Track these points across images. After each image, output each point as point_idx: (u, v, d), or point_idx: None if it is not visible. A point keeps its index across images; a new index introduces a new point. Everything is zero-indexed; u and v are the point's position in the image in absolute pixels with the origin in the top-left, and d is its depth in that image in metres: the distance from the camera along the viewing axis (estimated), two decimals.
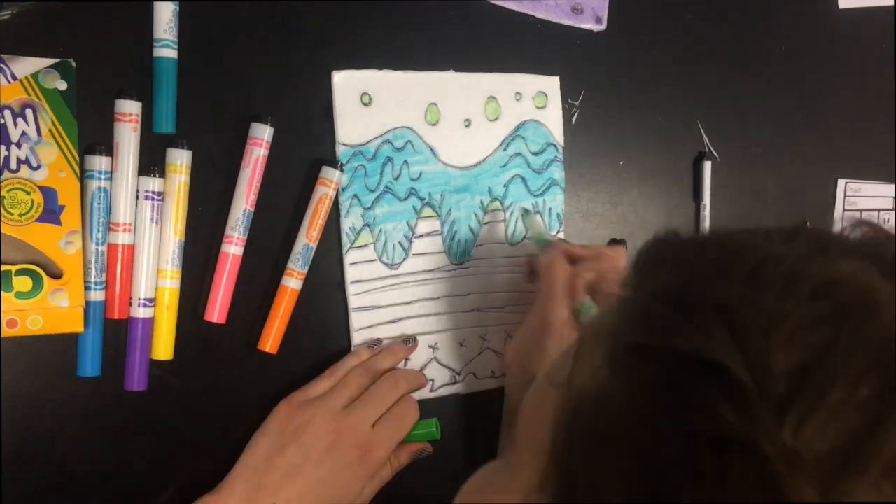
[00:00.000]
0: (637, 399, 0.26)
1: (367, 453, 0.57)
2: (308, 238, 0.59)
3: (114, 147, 0.54)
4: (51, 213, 0.52)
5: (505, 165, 0.68)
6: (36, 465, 0.55)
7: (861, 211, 0.86)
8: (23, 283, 0.51)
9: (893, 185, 0.87)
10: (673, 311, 0.26)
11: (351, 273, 0.62)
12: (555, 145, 0.70)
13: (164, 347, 0.56)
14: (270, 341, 0.59)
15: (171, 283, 0.56)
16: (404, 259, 0.65)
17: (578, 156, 0.71)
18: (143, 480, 0.57)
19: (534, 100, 0.69)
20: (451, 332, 0.67)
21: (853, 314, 0.24)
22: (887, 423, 0.23)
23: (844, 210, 0.85)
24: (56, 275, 0.52)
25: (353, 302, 0.63)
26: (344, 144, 0.62)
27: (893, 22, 0.85)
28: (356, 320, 0.63)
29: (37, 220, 0.51)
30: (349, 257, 0.62)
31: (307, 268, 0.60)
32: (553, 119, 0.70)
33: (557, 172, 0.70)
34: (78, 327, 0.53)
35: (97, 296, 0.54)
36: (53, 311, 0.52)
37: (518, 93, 0.68)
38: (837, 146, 0.84)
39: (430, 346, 0.66)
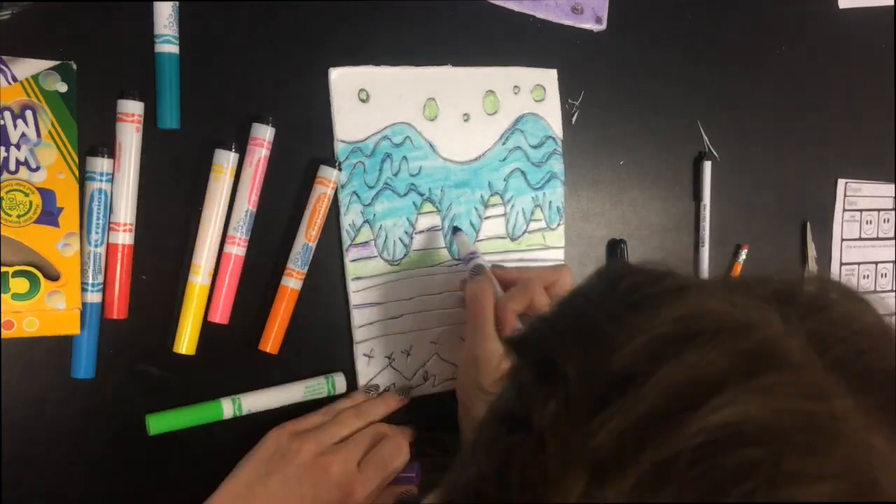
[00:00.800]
0: (503, 388, 0.31)
1: (349, 494, 0.56)
2: (307, 238, 0.59)
3: (115, 147, 0.54)
4: (49, 214, 0.52)
5: (504, 159, 0.68)
6: (36, 465, 0.55)
7: (861, 211, 0.86)
8: (20, 285, 0.51)
9: (893, 185, 0.87)
10: (550, 322, 0.32)
11: (351, 270, 0.62)
12: (553, 138, 0.70)
13: (188, 342, 0.57)
14: (271, 342, 0.59)
15: (202, 279, 0.57)
16: (405, 255, 0.65)
17: (578, 156, 0.71)
18: (144, 481, 0.57)
19: (532, 93, 0.69)
20: (453, 327, 0.67)
21: (691, 339, 0.27)
22: (654, 441, 0.25)
23: (844, 210, 0.85)
24: (53, 277, 0.52)
25: (353, 299, 0.63)
26: (342, 141, 0.61)
27: (893, 22, 0.85)
28: (357, 317, 0.63)
29: (35, 222, 0.51)
30: (350, 254, 0.62)
31: (307, 267, 0.60)
32: (551, 112, 0.70)
33: (557, 165, 0.70)
34: (74, 330, 0.53)
35: (94, 297, 0.54)
36: (50, 313, 0.52)
37: (516, 86, 0.68)
38: (837, 146, 0.84)
39: (431, 342, 0.66)
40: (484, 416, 0.31)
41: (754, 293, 0.30)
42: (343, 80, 0.61)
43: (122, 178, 0.54)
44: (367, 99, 0.62)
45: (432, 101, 0.65)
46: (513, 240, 0.69)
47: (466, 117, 0.66)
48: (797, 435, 0.25)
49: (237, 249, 0.58)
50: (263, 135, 0.57)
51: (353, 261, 0.63)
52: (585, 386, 0.27)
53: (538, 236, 0.70)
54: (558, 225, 0.71)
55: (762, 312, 0.28)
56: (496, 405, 0.31)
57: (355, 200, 0.62)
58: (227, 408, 0.58)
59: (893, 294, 0.89)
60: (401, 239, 0.64)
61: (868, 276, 0.88)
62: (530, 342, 0.31)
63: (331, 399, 0.62)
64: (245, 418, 0.59)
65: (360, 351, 0.63)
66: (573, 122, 0.71)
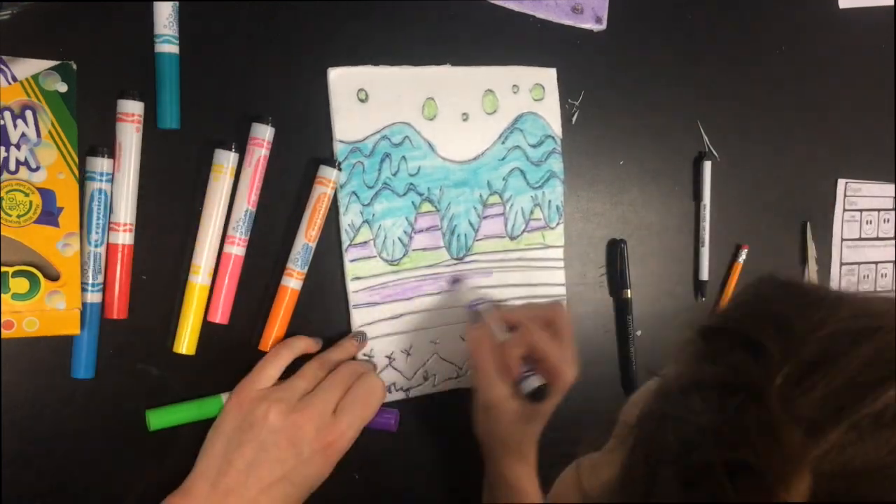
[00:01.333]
0: (697, 367, 0.37)
1: (330, 444, 0.55)
2: (307, 238, 0.59)
3: (115, 147, 0.54)
4: (49, 214, 0.52)
5: (503, 159, 0.68)
6: (36, 465, 0.55)
7: (861, 211, 0.86)
8: (20, 285, 0.51)
9: (893, 185, 0.88)
10: (743, 313, 0.38)
11: (351, 270, 0.62)
12: (553, 137, 0.70)
13: (188, 342, 0.57)
14: (272, 342, 0.59)
15: (202, 279, 0.57)
16: (404, 255, 0.65)
17: (578, 156, 0.71)
18: (144, 481, 0.57)
19: (531, 92, 0.69)
20: (453, 327, 0.67)
21: (876, 331, 0.34)
22: (864, 399, 0.32)
23: (844, 210, 0.85)
24: (53, 277, 0.52)
25: (353, 299, 0.63)
26: (341, 141, 0.61)
27: (893, 22, 0.85)
28: (357, 317, 0.63)
29: (35, 222, 0.51)
30: (349, 254, 0.62)
31: (307, 267, 0.60)
32: (551, 111, 0.70)
33: (556, 165, 0.70)
34: (74, 329, 0.53)
35: (94, 297, 0.54)
36: (50, 313, 0.52)
37: (515, 85, 0.68)
38: (837, 146, 0.84)
39: (431, 341, 0.66)
40: (668, 388, 0.37)
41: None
42: (342, 80, 0.61)
43: (122, 178, 0.54)
44: (366, 99, 0.62)
45: (431, 101, 0.65)
46: (512, 239, 0.69)
47: (465, 117, 0.66)
48: None
49: (237, 249, 0.58)
50: (263, 135, 0.57)
51: (353, 261, 0.63)
52: (789, 361, 0.33)
53: (537, 235, 0.70)
54: (558, 224, 0.71)
55: None
56: (692, 378, 0.36)
57: (354, 200, 0.62)
58: None
59: (893, 294, 0.89)
60: (400, 239, 0.64)
61: (868, 276, 0.88)
62: (730, 329, 0.37)
63: None
64: None
65: (360, 349, 0.63)
66: (573, 121, 0.71)
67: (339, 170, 0.60)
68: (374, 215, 0.63)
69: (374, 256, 0.63)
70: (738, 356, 0.35)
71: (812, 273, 0.83)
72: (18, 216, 0.51)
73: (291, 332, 0.60)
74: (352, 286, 0.63)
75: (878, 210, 0.88)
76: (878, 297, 0.40)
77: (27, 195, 0.51)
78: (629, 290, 0.74)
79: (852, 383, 0.32)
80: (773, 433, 0.31)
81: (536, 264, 0.70)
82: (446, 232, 0.66)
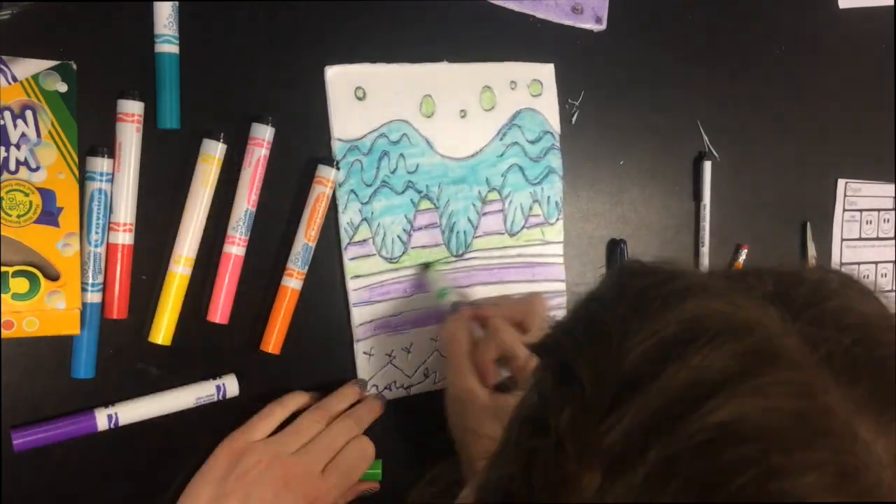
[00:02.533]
0: (527, 392, 0.32)
1: (313, 502, 0.55)
2: (307, 238, 0.59)
3: (116, 147, 0.54)
4: (49, 214, 0.52)
5: (502, 155, 0.68)
6: (36, 465, 0.55)
7: (861, 211, 0.86)
8: (20, 285, 0.51)
9: (893, 185, 0.87)
10: (567, 326, 0.33)
11: (350, 268, 0.62)
12: (551, 133, 0.70)
13: (164, 332, 0.56)
14: (273, 342, 0.59)
15: (183, 269, 0.56)
16: (403, 252, 0.65)
17: (578, 156, 0.71)
18: (144, 481, 0.57)
19: (529, 88, 0.69)
20: None
21: (692, 342, 0.28)
22: (659, 440, 0.26)
23: (844, 210, 0.85)
24: (53, 277, 0.52)
25: (353, 297, 0.63)
26: (339, 140, 0.61)
27: (893, 22, 0.85)
28: (357, 315, 0.63)
29: (35, 222, 0.51)
30: (348, 252, 0.62)
31: (307, 267, 0.60)
32: (549, 107, 0.70)
33: (555, 160, 0.70)
34: (74, 329, 0.53)
35: (94, 297, 0.54)
36: (50, 313, 0.52)
37: (513, 81, 0.68)
38: (837, 146, 0.84)
39: (431, 339, 0.66)
40: (510, 417, 0.32)
41: (755, 290, 0.31)
42: (339, 79, 0.61)
43: (122, 178, 0.54)
44: (363, 97, 0.62)
45: (429, 98, 0.65)
46: (511, 235, 0.69)
47: (463, 113, 0.66)
48: (786, 431, 0.26)
49: (237, 249, 0.58)
50: (263, 135, 0.57)
51: (352, 259, 0.62)
52: (598, 388, 0.28)
53: (537, 231, 0.70)
54: (557, 220, 0.71)
55: (761, 311, 0.29)
56: (521, 408, 0.32)
57: (353, 199, 0.62)
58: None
59: (893, 294, 0.89)
60: (399, 237, 0.64)
61: (868, 277, 0.88)
62: (548, 347, 0.33)
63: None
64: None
65: (360, 349, 0.63)
66: (573, 121, 0.71)
67: (338, 169, 0.60)
68: (372, 213, 0.63)
69: (374, 254, 0.63)
70: (545, 381, 0.31)
71: None
72: (18, 216, 0.51)
73: (292, 332, 0.60)
74: (351, 284, 0.62)
75: (878, 210, 0.88)
76: (746, 282, 0.32)
77: (27, 195, 0.51)
78: None
79: (657, 415, 0.27)
80: (568, 480, 0.27)
81: (536, 260, 0.70)
82: (445, 229, 0.66)
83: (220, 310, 0.57)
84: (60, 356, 0.54)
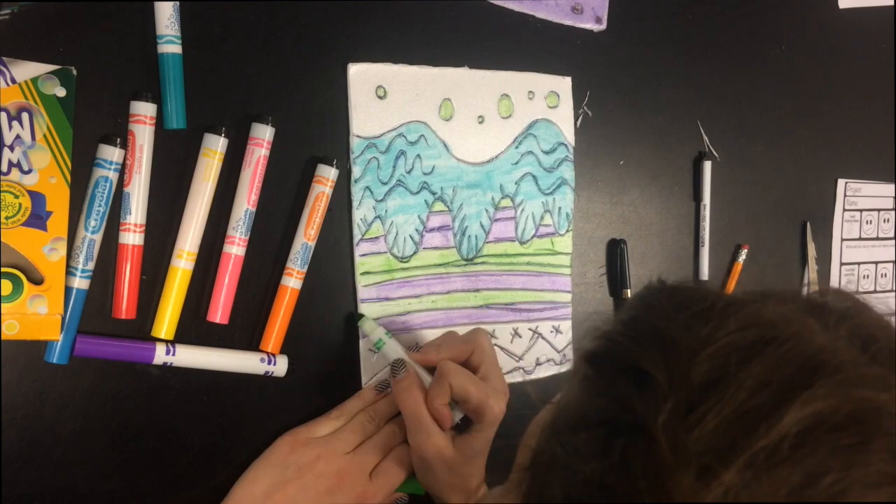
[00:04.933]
0: (585, 398, 0.34)
1: (360, 502, 0.57)
2: (307, 237, 0.59)
3: (132, 149, 0.54)
4: (38, 218, 0.51)
5: (517, 163, 0.68)
6: (36, 465, 0.55)
7: (861, 211, 0.86)
8: (3, 287, 0.50)
9: (893, 185, 0.88)
10: (626, 335, 0.34)
11: (360, 265, 0.63)
12: (566, 145, 0.70)
13: (167, 326, 0.56)
14: (272, 341, 0.59)
15: (185, 263, 0.56)
16: (414, 252, 0.65)
17: (579, 156, 0.71)
18: (144, 481, 0.57)
19: (546, 99, 0.69)
20: (460, 328, 0.66)
21: (766, 345, 0.31)
22: (756, 430, 0.29)
23: (844, 210, 0.85)
24: (37, 281, 0.52)
25: (362, 293, 0.63)
26: (358, 136, 0.62)
27: (893, 22, 0.85)
28: (365, 312, 0.63)
29: (23, 225, 0.51)
30: (359, 249, 0.63)
31: (306, 266, 0.60)
32: (564, 119, 0.70)
33: (567, 172, 0.71)
34: (54, 335, 0.52)
35: (81, 283, 0.53)
36: (31, 317, 0.52)
37: (531, 92, 0.68)
38: (837, 146, 0.84)
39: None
40: (559, 423, 0.34)
41: (790, 304, 0.35)
42: (362, 76, 0.61)
43: (138, 179, 0.54)
44: (384, 96, 0.62)
45: (448, 102, 0.65)
46: (521, 243, 0.69)
47: (481, 119, 0.67)
48: (881, 419, 0.29)
49: (237, 249, 0.58)
50: (263, 134, 0.57)
51: (363, 255, 0.63)
52: (676, 390, 0.30)
53: (546, 241, 0.70)
54: (567, 231, 0.71)
55: (806, 321, 0.33)
56: (579, 413, 0.34)
57: (368, 195, 0.62)
58: None
59: (893, 294, 0.89)
60: (411, 236, 0.64)
61: (868, 276, 0.88)
62: (613, 356, 0.34)
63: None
64: (250, 424, 0.59)
65: (364, 346, 0.63)
66: (577, 125, 0.71)
67: (337, 168, 0.60)
68: (386, 211, 0.63)
69: (385, 252, 0.64)
70: (622, 387, 0.32)
71: (812, 273, 0.83)
72: (7, 218, 0.51)
73: (292, 331, 0.60)
74: (361, 280, 0.63)
75: (878, 210, 0.88)
76: (775, 297, 0.35)
77: (17, 197, 0.51)
78: (629, 290, 0.74)
79: (744, 411, 0.29)
80: (661, 480, 0.29)
81: (544, 270, 0.70)
82: (457, 232, 0.66)
83: (220, 310, 0.57)
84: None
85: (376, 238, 0.63)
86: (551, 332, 0.71)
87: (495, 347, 0.65)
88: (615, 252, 0.74)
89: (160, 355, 0.55)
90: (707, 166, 0.77)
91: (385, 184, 0.63)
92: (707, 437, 0.29)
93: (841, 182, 0.85)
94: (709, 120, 0.77)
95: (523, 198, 0.69)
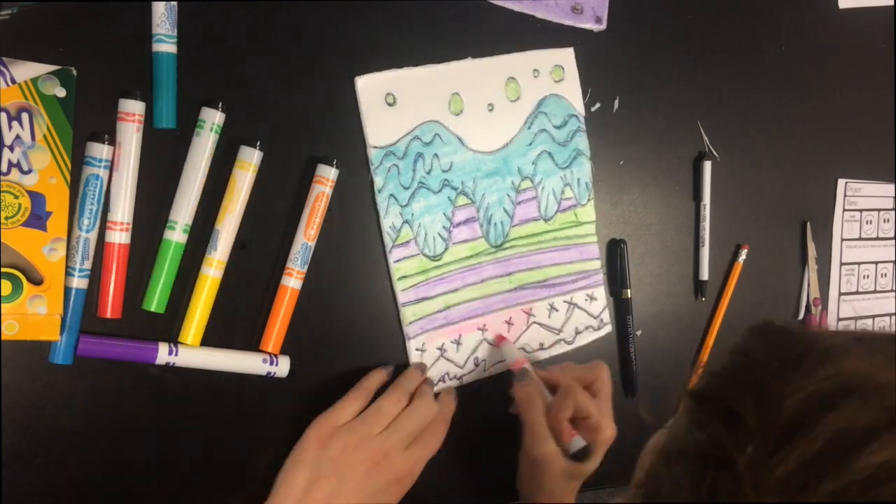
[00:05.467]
0: (688, 430, 0.37)
1: (401, 478, 0.59)
2: (307, 237, 0.59)
3: (116, 146, 0.54)
4: (37, 218, 0.51)
5: (531, 143, 0.69)
6: (36, 465, 0.55)
7: (861, 211, 0.86)
8: (2, 287, 0.51)
9: (893, 185, 0.88)
10: (725, 377, 0.38)
11: (396, 270, 0.64)
12: (576, 116, 0.71)
13: (194, 332, 0.57)
14: (272, 341, 0.59)
15: (214, 272, 0.57)
16: (445, 249, 0.66)
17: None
18: (144, 481, 0.57)
19: (551, 74, 0.69)
20: (498, 313, 0.69)
21: (847, 395, 0.34)
22: (829, 473, 0.31)
23: (844, 210, 0.85)
24: (37, 281, 0.52)
25: (401, 297, 0.64)
26: (374, 147, 0.62)
27: (893, 22, 0.85)
28: (408, 313, 0.64)
29: (22, 225, 0.51)
30: (392, 255, 0.64)
31: (306, 266, 0.60)
32: (572, 90, 0.71)
33: (581, 143, 0.71)
34: (54, 336, 0.52)
35: (80, 283, 0.53)
36: (31, 317, 0.52)
37: (535, 70, 0.69)
38: (837, 146, 0.84)
39: (479, 329, 0.68)
40: (668, 449, 0.38)
41: (885, 351, 0.37)
42: (369, 87, 0.62)
43: (121, 177, 0.54)
44: (394, 102, 0.63)
45: (457, 96, 0.65)
46: (546, 220, 0.70)
47: (491, 107, 0.67)
48: None
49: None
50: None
51: (397, 261, 0.64)
52: (765, 430, 0.34)
53: (570, 214, 0.71)
54: (588, 200, 0.72)
55: (889, 374, 0.35)
56: (682, 444, 0.37)
57: (393, 203, 0.63)
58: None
59: (893, 294, 0.89)
60: (440, 234, 0.66)
61: (868, 276, 0.88)
62: (712, 396, 0.38)
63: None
64: (267, 424, 0.59)
65: (412, 346, 0.65)
66: (590, 110, 0.71)
67: (337, 168, 0.60)
68: (413, 215, 0.64)
69: (417, 254, 0.65)
70: (718, 425, 0.35)
71: (812, 273, 0.83)
72: (7, 218, 0.51)
73: (292, 331, 0.60)
74: (399, 286, 0.64)
75: (878, 210, 0.88)
76: (866, 343, 0.39)
77: (17, 197, 0.51)
78: (629, 290, 0.74)
79: (819, 456, 0.32)
80: None
81: (572, 242, 0.71)
82: (483, 222, 0.67)
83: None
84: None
85: (407, 242, 0.64)
86: (586, 300, 0.73)
87: (535, 325, 0.70)
88: (615, 252, 0.74)
89: (163, 355, 0.56)
90: (707, 166, 0.77)
91: (407, 188, 0.64)
92: (785, 477, 0.32)
93: (841, 182, 0.85)
94: (709, 120, 0.77)
95: (542, 176, 0.70)
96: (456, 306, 0.67)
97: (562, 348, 0.72)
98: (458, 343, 0.67)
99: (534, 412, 0.62)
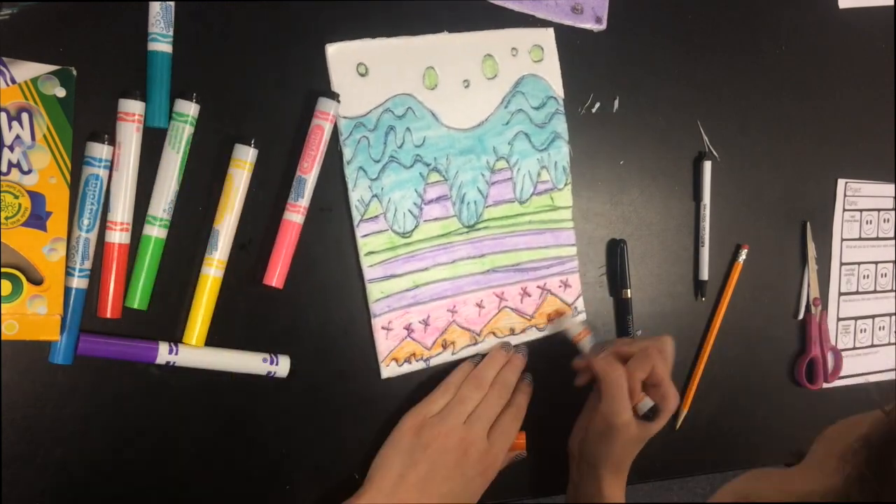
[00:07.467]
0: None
1: (488, 466, 0.62)
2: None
3: (116, 146, 0.54)
4: (37, 218, 0.51)
5: (507, 123, 0.68)
6: (36, 465, 0.55)
7: (861, 211, 0.86)
8: (2, 287, 0.51)
9: (893, 185, 0.87)
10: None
11: (363, 245, 0.63)
12: (555, 98, 0.70)
13: (198, 333, 0.57)
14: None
15: (214, 271, 0.57)
16: (415, 226, 0.65)
17: (579, 155, 0.71)
18: (144, 480, 0.57)
19: (530, 54, 0.69)
20: (469, 295, 0.68)
21: None
22: None
23: (844, 210, 0.85)
24: (37, 281, 0.52)
25: (368, 273, 0.63)
26: (344, 117, 0.61)
27: (893, 22, 0.85)
28: (374, 290, 0.63)
29: (22, 225, 0.51)
30: (360, 230, 0.63)
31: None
32: (551, 71, 0.70)
33: (560, 125, 0.70)
34: (54, 335, 0.52)
35: (79, 283, 0.53)
36: (31, 317, 0.52)
37: (514, 48, 0.68)
38: (837, 146, 0.84)
39: (448, 310, 0.67)
40: (861, 437, 0.39)
41: None
42: (340, 55, 0.61)
43: (121, 177, 0.54)
44: (365, 73, 0.62)
45: (431, 70, 0.65)
46: (521, 203, 0.69)
47: (466, 83, 0.66)
48: None
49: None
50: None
51: (364, 236, 0.63)
52: None
53: (546, 198, 0.70)
54: (565, 185, 0.71)
55: None
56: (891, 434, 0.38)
57: (362, 175, 0.62)
58: None
59: (893, 294, 0.89)
60: (410, 210, 0.65)
61: (868, 276, 0.88)
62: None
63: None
64: (266, 426, 0.59)
65: (377, 324, 0.64)
66: (591, 111, 0.71)
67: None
68: (382, 189, 0.63)
69: (386, 230, 0.64)
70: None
71: (812, 273, 0.83)
72: (7, 218, 0.51)
73: (294, 332, 0.60)
74: (366, 261, 0.63)
75: (878, 210, 0.88)
76: None
77: (17, 197, 0.51)
78: (629, 290, 0.74)
79: None
80: None
81: (547, 226, 0.71)
82: (456, 201, 0.66)
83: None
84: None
85: (376, 217, 0.63)
86: (560, 286, 0.72)
87: (506, 309, 0.69)
88: (615, 252, 0.74)
89: (163, 354, 0.56)
90: (707, 166, 0.77)
91: (378, 161, 0.63)
92: None
93: (841, 182, 0.85)
94: (709, 120, 0.77)
95: (518, 157, 0.69)
96: (426, 286, 0.66)
97: (533, 334, 0.71)
98: (426, 324, 0.66)
99: (616, 378, 0.63)
